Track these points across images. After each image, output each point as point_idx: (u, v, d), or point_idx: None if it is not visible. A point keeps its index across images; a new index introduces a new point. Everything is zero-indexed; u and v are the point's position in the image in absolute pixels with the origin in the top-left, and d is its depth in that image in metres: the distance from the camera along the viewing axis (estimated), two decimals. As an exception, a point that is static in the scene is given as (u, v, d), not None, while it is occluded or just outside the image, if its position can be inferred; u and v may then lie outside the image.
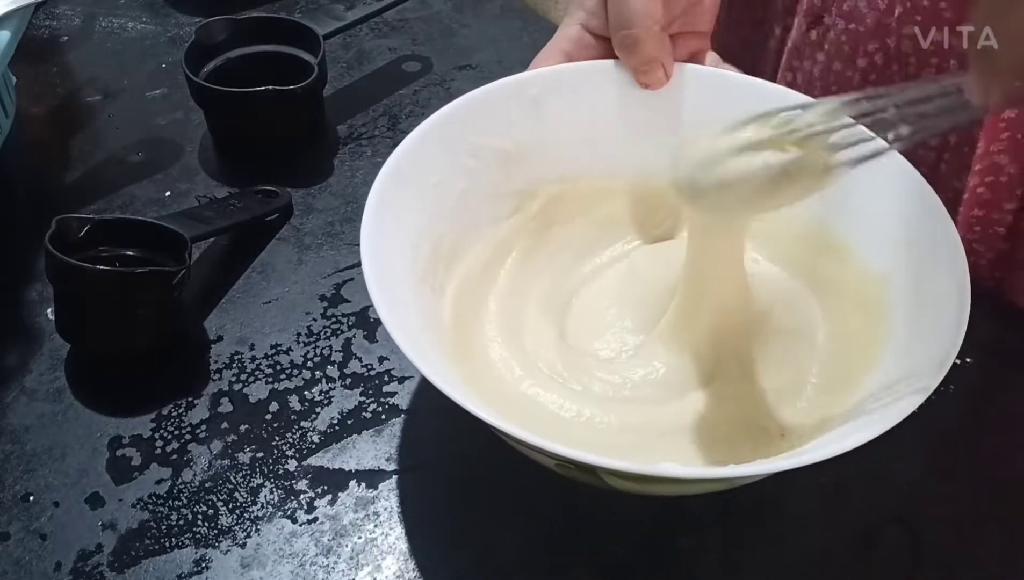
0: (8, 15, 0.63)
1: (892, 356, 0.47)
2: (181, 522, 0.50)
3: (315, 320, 0.60)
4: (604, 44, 0.54)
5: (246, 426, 0.54)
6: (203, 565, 0.48)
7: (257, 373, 0.57)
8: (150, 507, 0.50)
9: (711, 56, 0.56)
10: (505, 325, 0.53)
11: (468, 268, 0.53)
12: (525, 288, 0.55)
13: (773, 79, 0.58)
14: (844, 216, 0.53)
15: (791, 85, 0.63)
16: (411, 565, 0.49)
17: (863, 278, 0.51)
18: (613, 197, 0.57)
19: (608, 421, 0.49)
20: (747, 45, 0.68)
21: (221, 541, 0.49)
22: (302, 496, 0.51)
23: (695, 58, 0.55)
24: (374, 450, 0.53)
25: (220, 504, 0.51)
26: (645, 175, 0.57)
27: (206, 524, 0.50)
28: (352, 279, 0.62)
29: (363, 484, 0.52)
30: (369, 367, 0.57)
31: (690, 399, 0.50)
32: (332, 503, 0.51)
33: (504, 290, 0.55)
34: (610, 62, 0.55)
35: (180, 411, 0.55)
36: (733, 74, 0.56)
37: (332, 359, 0.58)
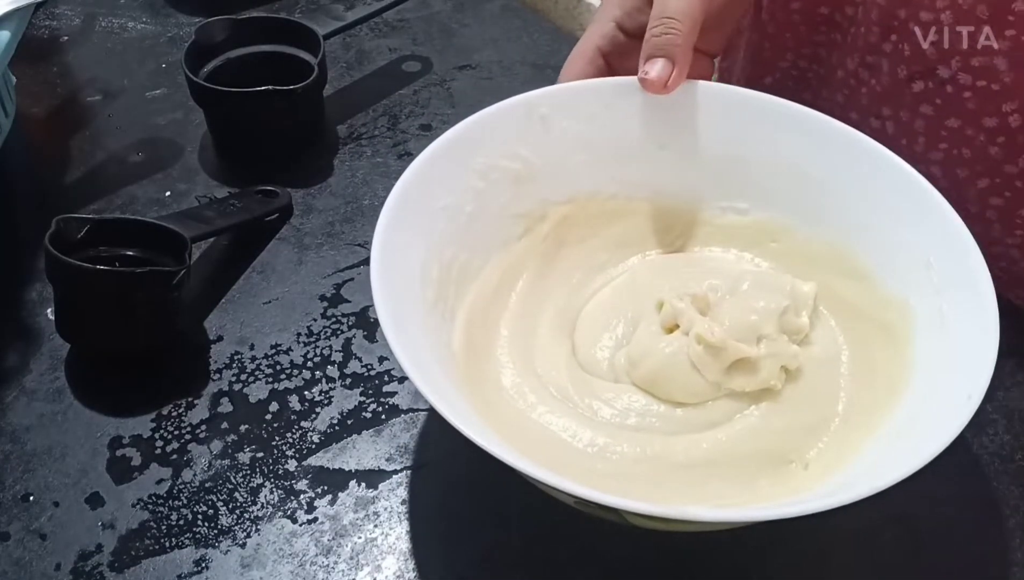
0: (8, 15, 0.63)
1: (918, 386, 0.46)
2: (181, 522, 0.50)
3: (315, 320, 0.60)
4: (637, 44, 0.53)
5: (246, 426, 0.54)
6: (203, 565, 0.48)
7: (257, 373, 0.57)
8: (150, 507, 0.50)
9: (714, 79, 0.56)
10: (517, 350, 0.52)
11: (478, 292, 0.52)
12: (536, 310, 0.54)
13: (845, 117, 0.54)
14: (863, 237, 0.52)
15: (880, 134, 0.58)
16: (411, 565, 0.49)
17: (884, 301, 0.50)
18: (624, 216, 0.57)
19: (621, 451, 0.47)
20: (803, 75, 0.65)
21: (221, 541, 0.49)
22: (302, 496, 0.51)
23: (699, 77, 0.55)
24: (374, 450, 0.53)
25: (220, 504, 0.51)
26: (657, 193, 0.56)
27: (206, 524, 0.50)
28: (352, 279, 0.62)
29: (363, 484, 0.52)
30: (369, 367, 0.57)
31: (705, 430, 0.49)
32: (332, 503, 0.51)
33: (515, 314, 0.53)
34: (620, 80, 0.54)
35: (180, 411, 0.55)
36: (744, 90, 0.55)
37: (332, 359, 0.58)
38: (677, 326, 0.50)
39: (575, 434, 0.48)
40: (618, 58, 0.56)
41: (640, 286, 0.54)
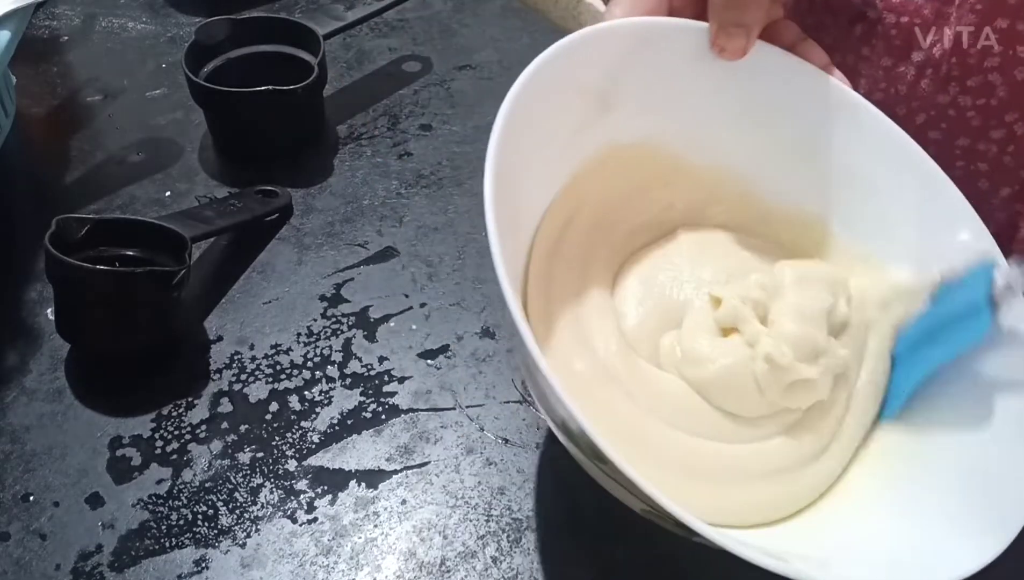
0: (8, 15, 0.63)
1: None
2: (181, 522, 0.50)
3: (315, 320, 0.60)
4: None
5: (246, 426, 0.54)
6: (203, 565, 0.48)
7: (257, 373, 0.57)
8: (150, 507, 0.50)
9: (793, 28, 0.52)
10: (568, 308, 0.49)
11: (544, 233, 0.49)
12: (583, 262, 0.51)
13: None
14: (900, 252, 0.51)
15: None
16: (411, 565, 0.49)
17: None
18: (681, 176, 0.54)
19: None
20: None
21: (221, 541, 0.49)
22: (302, 496, 0.51)
23: (774, 27, 0.51)
24: (374, 450, 0.53)
25: (220, 504, 0.51)
26: (718, 162, 0.53)
27: (206, 524, 0.50)
28: (352, 279, 0.62)
29: (363, 484, 0.52)
30: (369, 367, 0.57)
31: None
32: (332, 503, 0.51)
33: (567, 260, 0.50)
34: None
35: (180, 411, 0.55)
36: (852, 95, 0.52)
37: (332, 359, 0.58)
38: (734, 329, 0.48)
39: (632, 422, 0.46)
40: (681, 2, 0.51)
41: (682, 264, 0.52)
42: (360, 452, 0.53)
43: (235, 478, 0.52)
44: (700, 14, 0.50)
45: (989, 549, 0.39)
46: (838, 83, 0.51)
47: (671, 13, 0.50)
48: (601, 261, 0.51)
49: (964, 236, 0.48)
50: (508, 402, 0.56)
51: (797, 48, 0.51)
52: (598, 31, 0.48)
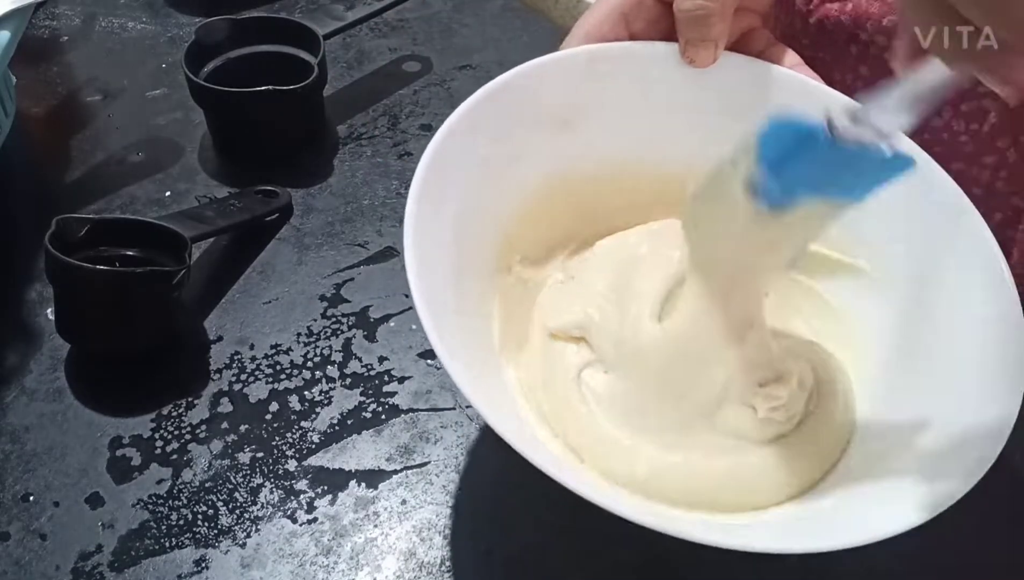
0: (8, 15, 0.63)
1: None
2: (181, 522, 0.50)
3: (315, 320, 0.60)
4: (661, 7, 0.52)
5: (246, 426, 0.54)
6: (203, 565, 0.48)
7: (257, 373, 0.57)
8: (150, 507, 0.50)
9: (765, 35, 0.54)
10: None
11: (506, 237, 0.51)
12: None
13: None
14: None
15: None
16: (411, 565, 0.49)
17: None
18: (648, 185, 0.54)
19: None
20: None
21: (221, 541, 0.49)
22: (302, 496, 0.51)
23: (749, 36, 0.53)
24: (374, 450, 0.53)
25: (220, 504, 0.51)
26: (690, 167, 0.52)
27: (206, 524, 0.50)
28: (352, 279, 0.62)
29: (363, 484, 0.52)
30: (369, 367, 0.57)
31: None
32: (332, 503, 0.51)
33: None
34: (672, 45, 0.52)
35: (180, 411, 0.55)
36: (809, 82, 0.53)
37: (332, 359, 0.58)
38: None
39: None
40: (644, 25, 0.53)
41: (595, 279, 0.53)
42: (360, 452, 0.53)
43: (235, 478, 0.52)
44: (665, 36, 0.52)
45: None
46: (803, 78, 0.52)
47: (633, 38, 0.52)
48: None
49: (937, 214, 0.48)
50: (508, 402, 0.56)
51: (766, 53, 0.53)
52: (552, 59, 0.51)
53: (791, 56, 0.52)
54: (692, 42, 0.51)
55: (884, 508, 0.42)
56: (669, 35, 0.52)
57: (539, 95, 0.51)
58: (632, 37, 0.53)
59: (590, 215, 0.54)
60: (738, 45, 0.52)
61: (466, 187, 0.48)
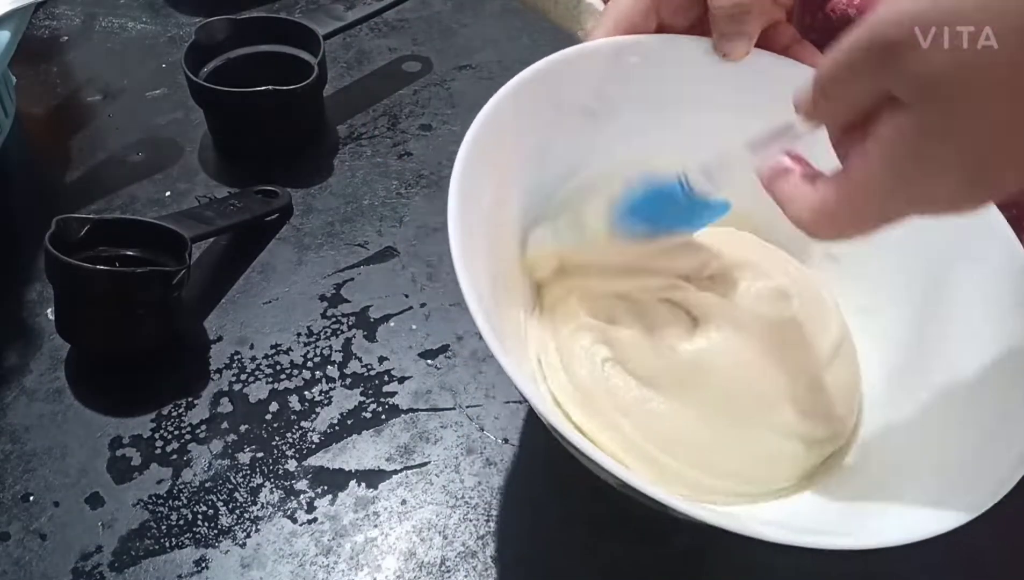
0: (8, 15, 0.63)
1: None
2: (181, 522, 0.50)
3: (315, 320, 0.60)
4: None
5: (246, 426, 0.54)
6: (203, 565, 0.48)
7: (257, 373, 0.57)
8: (150, 507, 0.50)
9: (790, 30, 0.54)
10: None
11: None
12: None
13: None
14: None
15: None
16: (411, 565, 0.49)
17: None
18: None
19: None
20: None
21: (221, 541, 0.49)
22: (302, 496, 0.51)
23: (774, 29, 0.53)
24: (374, 450, 0.53)
25: (220, 504, 0.51)
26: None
27: (206, 524, 0.50)
28: (352, 279, 0.62)
29: (363, 484, 0.52)
30: (369, 367, 0.57)
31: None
32: (332, 503, 0.51)
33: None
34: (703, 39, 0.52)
35: (180, 411, 0.55)
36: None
37: (332, 359, 0.58)
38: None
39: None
40: (671, 12, 0.53)
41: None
42: (360, 452, 0.53)
43: (235, 478, 0.52)
44: (692, 28, 0.52)
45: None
46: None
47: (660, 31, 0.52)
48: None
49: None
50: (508, 402, 0.56)
51: (791, 50, 0.53)
52: (579, 51, 0.50)
53: (813, 53, 0.53)
54: (728, 36, 0.51)
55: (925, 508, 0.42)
56: (699, 22, 0.52)
57: (565, 87, 0.51)
58: (661, 24, 0.52)
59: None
60: (764, 38, 0.52)
61: (503, 177, 0.48)
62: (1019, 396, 0.43)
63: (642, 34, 0.52)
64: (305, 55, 0.71)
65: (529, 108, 0.49)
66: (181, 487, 0.51)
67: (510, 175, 0.49)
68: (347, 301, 0.61)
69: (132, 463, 0.52)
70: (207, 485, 0.51)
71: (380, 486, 0.52)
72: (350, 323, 0.60)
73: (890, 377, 0.50)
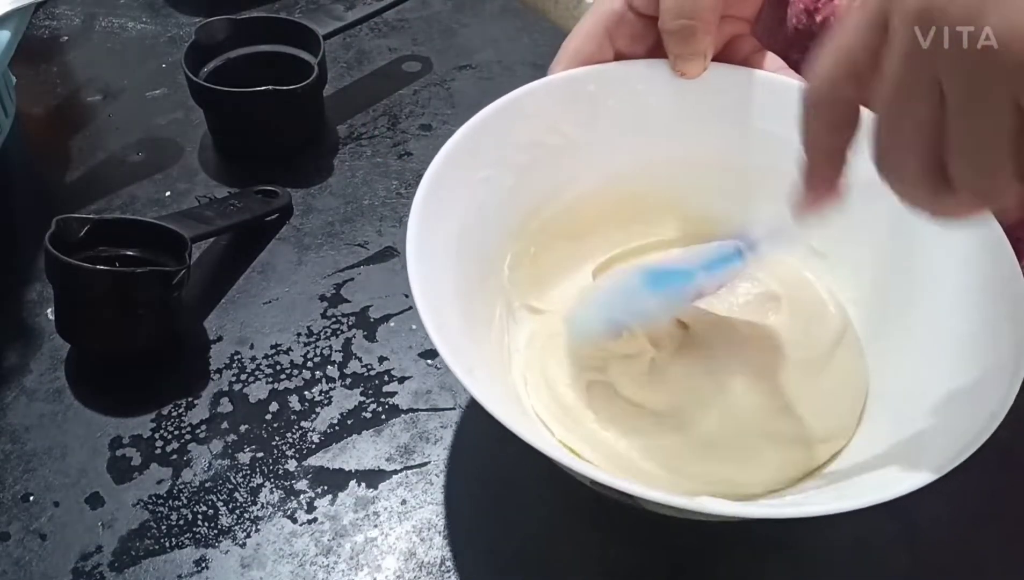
0: (8, 15, 0.63)
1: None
2: (181, 522, 0.50)
3: (315, 320, 0.60)
4: (644, 23, 0.52)
5: (246, 426, 0.54)
6: (203, 565, 0.48)
7: (257, 373, 0.57)
8: (150, 507, 0.50)
9: (751, 41, 0.54)
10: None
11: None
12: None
13: None
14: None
15: None
16: (411, 565, 0.49)
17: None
18: (650, 205, 0.56)
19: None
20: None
21: (221, 541, 0.49)
22: (302, 496, 0.51)
23: (734, 43, 0.54)
24: (374, 450, 0.53)
25: (220, 504, 0.51)
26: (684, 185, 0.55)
27: (206, 524, 0.50)
28: (352, 279, 0.62)
29: (363, 484, 0.52)
30: (369, 367, 0.57)
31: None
32: (332, 503, 0.51)
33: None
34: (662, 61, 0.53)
35: (180, 411, 0.55)
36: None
37: (332, 359, 0.58)
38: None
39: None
40: (628, 41, 0.53)
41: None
42: (360, 452, 0.53)
43: (235, 478, 0.52)
44: (651, 54, 0.53)
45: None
46: (784, 78, 0.52)
47: (618, 55, 0.53)
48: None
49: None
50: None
51: (751, 59, 0.54)
52: (536, 86, 0.52)
53: (773, 60, 0.54)
54: (682, 56, 0.52)
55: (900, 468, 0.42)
56: (654, 49, 0.53)
57: (524, 124, 0.52)
58: (618, 53, 0.54)
59: (589, 235, 0.55)
60: (725, 52, 0.54)
61: (465, 213, 0.49)
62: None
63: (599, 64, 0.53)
64: (305, 55, 0.71)
65: (493, 143, 0.50)
66: (181, 487, 0.51)
67: (473, 209, 0.50)
68: (347, 301, 0.61)
69: (132, 463, 0.52)
70: (207, 485, 0.51)
71: (380, 486, 0.52)
72: (350, 323, 0.60)
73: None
